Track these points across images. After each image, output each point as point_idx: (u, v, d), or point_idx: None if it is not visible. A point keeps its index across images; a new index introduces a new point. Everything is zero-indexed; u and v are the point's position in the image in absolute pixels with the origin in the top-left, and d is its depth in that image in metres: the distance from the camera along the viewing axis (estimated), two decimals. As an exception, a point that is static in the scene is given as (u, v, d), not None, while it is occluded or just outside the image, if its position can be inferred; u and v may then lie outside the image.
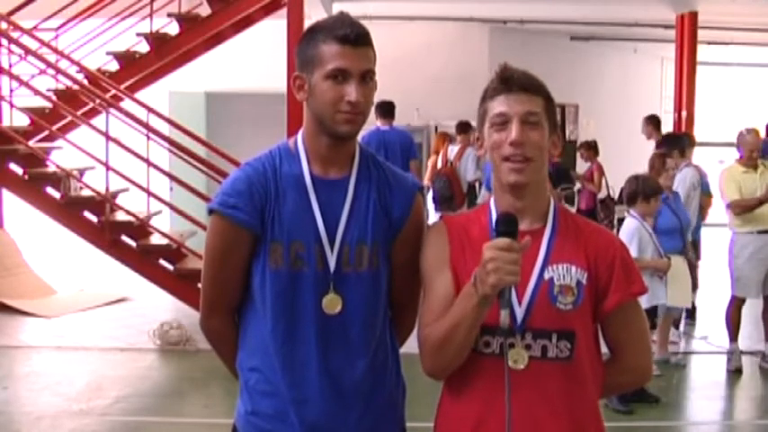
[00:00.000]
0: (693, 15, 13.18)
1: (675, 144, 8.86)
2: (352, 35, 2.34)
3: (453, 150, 11.46)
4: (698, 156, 9.52)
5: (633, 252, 6.21)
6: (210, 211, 2.46)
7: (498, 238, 2.10)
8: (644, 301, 6.22)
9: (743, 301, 7.41)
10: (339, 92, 2.34)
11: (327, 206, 2.42)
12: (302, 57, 2.41)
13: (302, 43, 2.42)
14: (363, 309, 2.45)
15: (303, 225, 2.40)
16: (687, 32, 13.25)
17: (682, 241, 7.18)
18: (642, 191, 6.58)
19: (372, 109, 2.54)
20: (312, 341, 2.42)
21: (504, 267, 2.04)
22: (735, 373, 7.37)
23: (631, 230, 6.48)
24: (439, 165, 11.38)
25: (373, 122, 9.51)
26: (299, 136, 2.50)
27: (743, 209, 7.30)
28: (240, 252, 2.44)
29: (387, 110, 9.43)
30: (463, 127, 11.29)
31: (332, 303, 2.41)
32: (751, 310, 7.56)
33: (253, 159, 2.50)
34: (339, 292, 2.41)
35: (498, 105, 2.25)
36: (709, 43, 14.85)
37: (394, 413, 2.58)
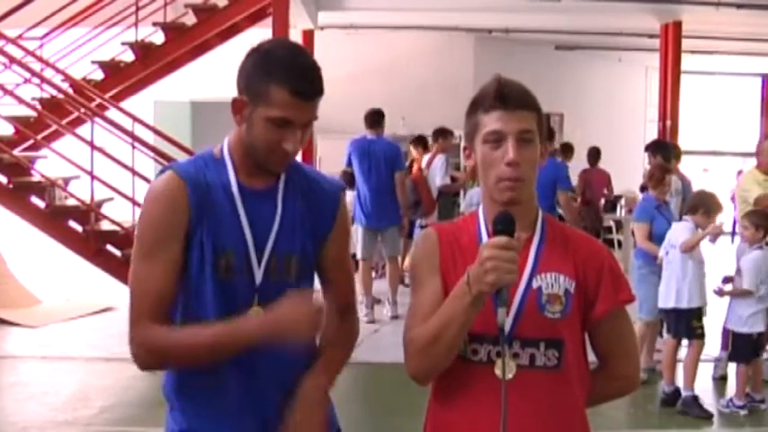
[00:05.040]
0: (678, 25, 13.28)
1: (659, 150, 8.92)
2: (310, 92, 2.30)
3: (426, 158, 11.41)
4: (682, 164, 9.53)
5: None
6: (161, 172, 2.38)
7: (496, 236, 2.10)
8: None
9: None
10: (278, 136, 2.29)
11: (256, 217, 2.38)
12: (248, 82, 2.33)
13: (251, 67, 2.34)
14: None
15: (232, 235, 2.35)
16: (671, 42, 13.35)
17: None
18: (705, 206, 6.76)
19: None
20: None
21: (503, 266, 2.04)
22: (720, 380, 7.41)
23: (690, 228, 6.70)
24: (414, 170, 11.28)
25: (356, 131, 9.50)
26: (225, 146, 2.44)
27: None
28: (177, 234, 2.32)
29: (374, 120, 9.37)
30: (438, 134, 11.25)
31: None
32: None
33: (182, 163, 2.44)
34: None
35: (493, 122, 2.22)
36: (693, 52, 14.95)
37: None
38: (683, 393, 6.56)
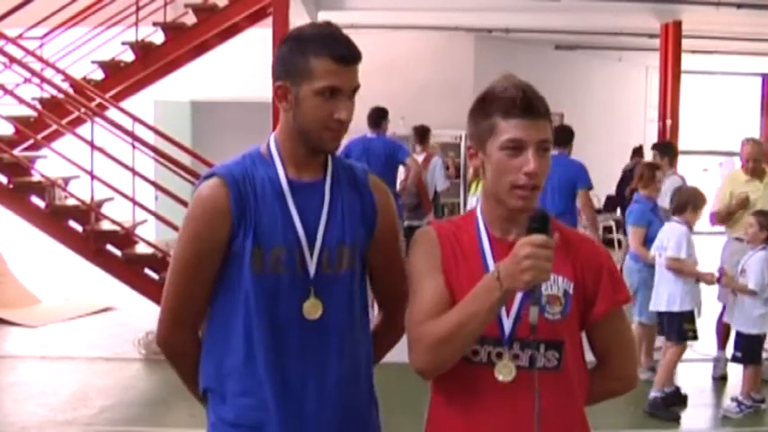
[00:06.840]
0: (678, 24, 13.28)
1: (666, 151, 8.97)
2: (350, 55, 2.35)
3: (418, 159, 11.40)
4: (682, 164, 9.57)
5: (683, 253, 6.48)
6: (206, 177, 2.46)
7: (533, 234, 2.06)
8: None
9: None
10: (329, 108, 2.34)
11: (305, 209, 2.41)
12: (287, 66, 2.37)
13: (288, 51, 2.38)
14: (343, 311, 2.46)
15: (282, 230, 2.39)
16: (671, 41, 13.36)
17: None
18: (693, 201, 6.73)
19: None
20: (293, 346, 2.40)
21: (540, 264, 2.02)
22: (720, 380, 7.41)
23: (683, 232, 6.64)
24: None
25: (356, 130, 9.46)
26: (272, 141, 2.48)
27: (721, 219, 7.31)
28: (217, 247, 2.40)
29: (374, 120, 9.37)
30: (425, 132, 11.28)
31: (313, 308, 2.40)
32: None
33: (225, 165, 2.47)
34: (319, 297, 2.41)
35: (513, 129, 2.19)
36: (694, 52, 14.94)
37: (371, 415, 2.59)
38: (652, 394, 6.50)
